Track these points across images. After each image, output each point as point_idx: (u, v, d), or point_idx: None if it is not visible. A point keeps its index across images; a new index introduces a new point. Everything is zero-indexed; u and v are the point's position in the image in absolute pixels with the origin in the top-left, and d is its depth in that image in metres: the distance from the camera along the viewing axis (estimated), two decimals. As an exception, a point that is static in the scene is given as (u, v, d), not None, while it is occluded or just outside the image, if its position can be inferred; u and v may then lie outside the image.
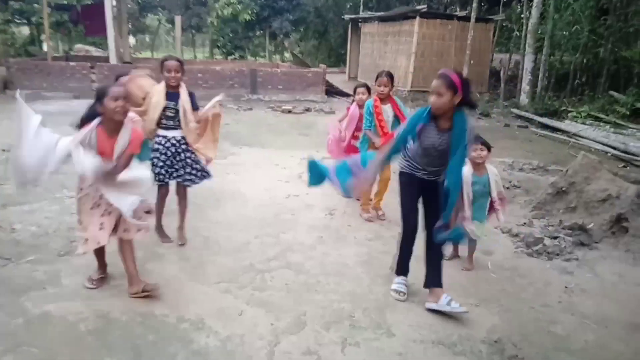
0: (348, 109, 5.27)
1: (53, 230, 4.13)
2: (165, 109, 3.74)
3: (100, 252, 3.27)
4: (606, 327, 3.12)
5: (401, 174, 3.29)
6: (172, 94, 3.75)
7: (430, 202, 3.24)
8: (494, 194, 3.73)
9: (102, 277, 3.33)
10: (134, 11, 27.14)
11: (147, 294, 3.13)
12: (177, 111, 3.76)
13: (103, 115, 2.92)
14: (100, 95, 2.89)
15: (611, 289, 3.65)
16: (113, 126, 2.93)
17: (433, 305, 3.17)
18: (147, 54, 33.25)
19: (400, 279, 3.43)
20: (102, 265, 3.35)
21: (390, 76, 4.64)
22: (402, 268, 3.44)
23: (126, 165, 2.99)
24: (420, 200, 3.28)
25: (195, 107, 3.86)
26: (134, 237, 3.15)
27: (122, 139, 2.95)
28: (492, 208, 3.76)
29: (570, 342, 2.94)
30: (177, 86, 3.77)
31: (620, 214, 4.49)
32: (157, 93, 3.74)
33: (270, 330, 2.91)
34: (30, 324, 2.84)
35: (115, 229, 3.10)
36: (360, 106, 4.98)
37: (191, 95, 3.84)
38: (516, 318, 3.18)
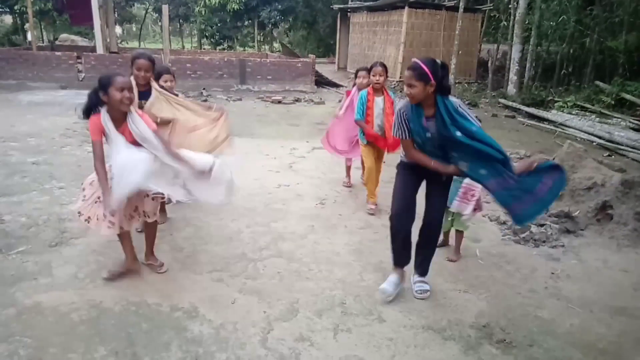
0: (348, 92, 5.27)
1: (43, 221, 4.11)
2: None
3: (126, 240, 3.26)
4: (590, 311, 3.20)
5: (400, 163, 3.20)
6: (143, 93, 3.71)
7: (432, 195, 3.14)
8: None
9: (122, 272, 3.27)
10: (120, 0, 26.69)
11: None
12: None
13: (107, 105, 2.89)
14: (104, 85, 2.84)
15: (596, 275, 3.74)
16: (118, 115, 2.91)
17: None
18: (134, 44, 32.79)
19: (394, 276, 3.23)
20: (130, 257, 3.30)
21: (384, 66, 4.66)
22: (395, 258, 3.27)
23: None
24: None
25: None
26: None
27: (137, 127, 2.92)
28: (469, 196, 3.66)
29: (556, 326, 3.02)
30: (148, 84, 3.74)
31: (605, 201, 4.58)
32: None
33: (263, 318, 2.94)
34: (22, 315, 2.83)
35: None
36: (361, 89, 4.97)
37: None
38: (504, 303, 3.25)
